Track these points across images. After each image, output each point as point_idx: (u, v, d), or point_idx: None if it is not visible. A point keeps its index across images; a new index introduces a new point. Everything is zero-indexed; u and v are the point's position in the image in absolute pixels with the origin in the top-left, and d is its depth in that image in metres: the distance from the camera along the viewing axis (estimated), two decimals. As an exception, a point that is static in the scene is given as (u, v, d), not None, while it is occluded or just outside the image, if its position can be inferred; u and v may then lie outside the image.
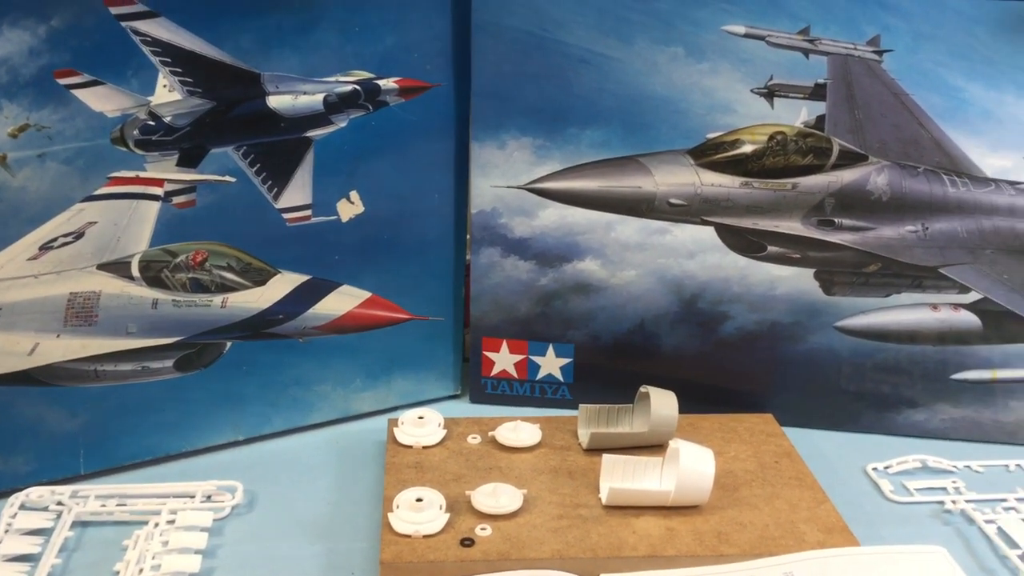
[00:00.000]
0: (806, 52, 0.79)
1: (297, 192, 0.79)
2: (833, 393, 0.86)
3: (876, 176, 0.81)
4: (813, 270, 0.84)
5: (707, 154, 0.81)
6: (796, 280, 0.84)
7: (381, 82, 0.79)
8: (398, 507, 0.68)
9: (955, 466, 0.81)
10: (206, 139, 0.76)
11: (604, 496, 0.71)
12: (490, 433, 0.78)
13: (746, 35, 0.78)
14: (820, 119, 0.81)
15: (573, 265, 0.85)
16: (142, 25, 0.71)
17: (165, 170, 0.75)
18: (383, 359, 0.86)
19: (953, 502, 0.76)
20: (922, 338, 0.84)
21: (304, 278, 0.81)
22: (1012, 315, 0.83)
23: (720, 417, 0.82)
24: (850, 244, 0.83)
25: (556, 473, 0.75)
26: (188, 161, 0.76)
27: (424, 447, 0.77)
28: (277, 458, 0.81)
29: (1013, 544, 0.71)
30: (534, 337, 0.88)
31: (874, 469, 0.81)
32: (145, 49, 0.72)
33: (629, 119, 0.81)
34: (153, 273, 0.77)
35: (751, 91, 0.80)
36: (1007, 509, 0.75)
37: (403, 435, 0.78)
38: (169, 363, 0.79)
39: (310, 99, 0.77)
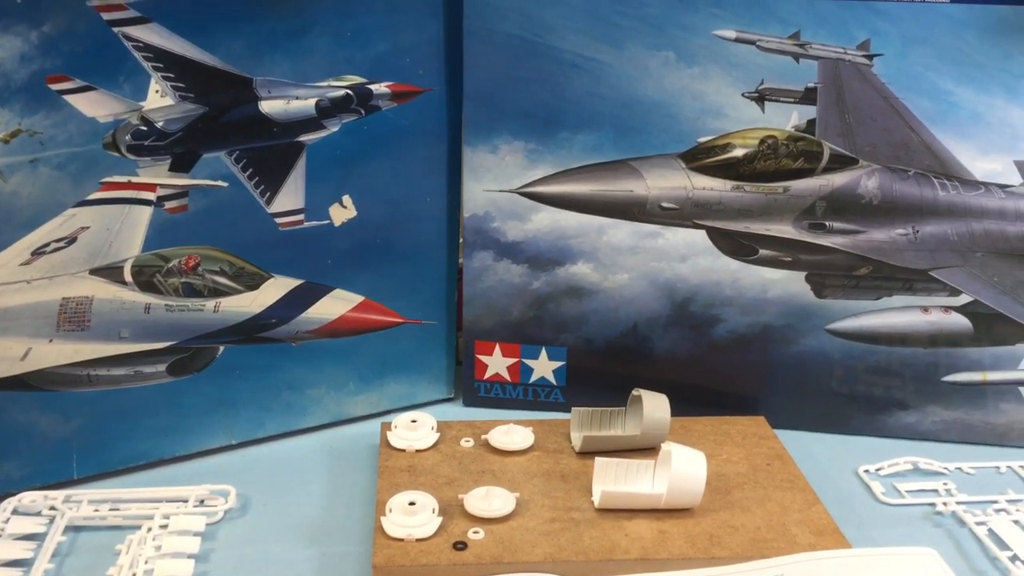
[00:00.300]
0: (796, 56, 0.79)
1: (290, 197, 0.80)
2: (825, 395, 0.86)
3: (867, 180, 0.82)
4: (804, 273, 0.84)
5: (698, 158, 0.82)
6: (787, 283, 0.84)
7: (373, 87, 0.80)
8: (391, 511, 0.69)
9: (946, 468, 0.81)
10: (198, 144, 0.76)
11: (596, 499, 0.71)
12: (483, 436, 0.79)
13: (737, 40, 0.79)
14: (811, 123, 0.81)
15: (565, 269, 0.86)
16: (134, 30, 0.71)
17: (157, 175, 0.75)
18: (376, 363, 0.86)
19: (944, 504, 0.76)
20: (913, 340, 0.84)
21: (297, 282, 0.81)
22: (1002, 317, 0.83)
23: (712, 420, 0.82)
24: (841, 247, 0.83)
25: (549, 476, 0.75)
26: (180, 166, 0.76)
27: (417, 451, 0.77)
28: (270, 462, 0.81)
29: (1004, 546, 0.72)
30: (527, 340, 0.88)
31: (865, 471, 0.81)
32: (137, 54, 0.72)
33: (621, 123, 0.81)
34: (146, 278, 0.77)
35: (742, 95, 0.80)
36: (998, 511, 0.76)
37: (396, 439, 0.78)
38: (162, 367, 0.79)
39: (302, 104, 0.78)
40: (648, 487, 0.71)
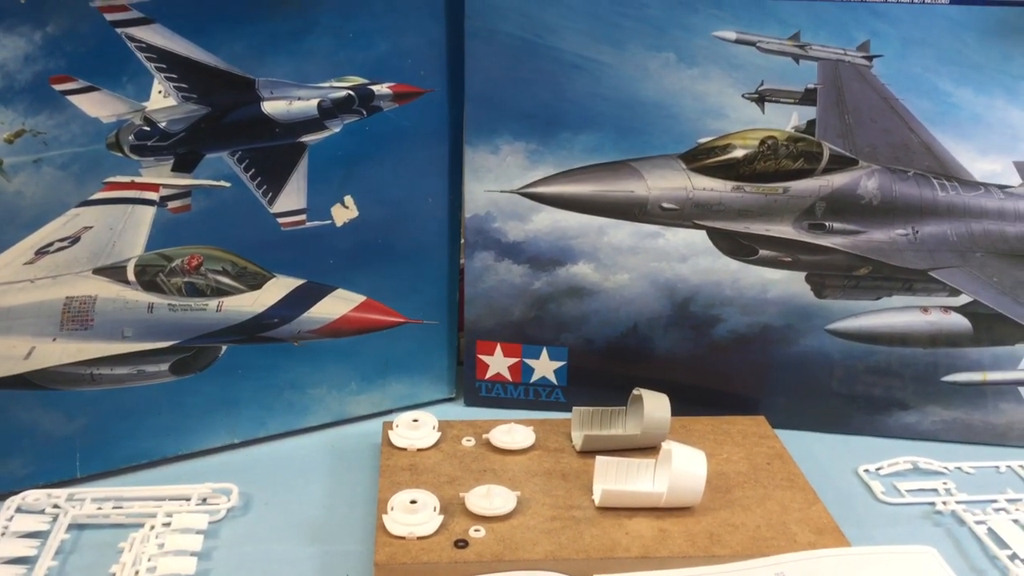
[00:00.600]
0: (796, 57, 0.79)
1: (292, 197, 0.80)
2: (825, 395, 0.86)
3: (866, 180, 0.82)
4: (804, 273, 0.84)
5: (699, 158, 0.82)
6: (788, 283, 0.84)
7: (375, 87, 0.80)
8: (392, 509, 0.69)
9: (946, 467, 0.81)
10: (201, 144, 0.76)
11: (597, 498, 0.71)
12: (484, 435, 0.79)
13: (737, 41, 0.79)
14: (811, 124, 0.81)
15: (566, 269, 0.86)
16: (137, 31, 0.72)
17: (160, 175, 0.76)
18: (378, 362, 0.87)
19: (944, 503, 0.77)
20: (913, 341, 0.85)
21: (299, 282, 0.82)
22: (1002, 317, 0.83)
23: (712, 419, 0.82)
24: (841, 248, 0.83)
25: (550, 475, 0.75)
26: (183, 166, 0.76)
27: (418, 450, 0.77)
28: (272, 461, 0.82)
29: (1003, 545, 0.72)
30: (528, 340, 0.88)
31: (865, 470, 0.81)
32: (140, 55, 0.72)
33: (621, 124, 0.82)
34: (149, 277, 0.77)
35: (742, 96, 0.80)
36: (997, 510, 0.76)
37: (398, 438, 0.78)
38: (165, 367, 0.79)
39: (304, 104, 0.78)
40: (649, 486, 0.72)
